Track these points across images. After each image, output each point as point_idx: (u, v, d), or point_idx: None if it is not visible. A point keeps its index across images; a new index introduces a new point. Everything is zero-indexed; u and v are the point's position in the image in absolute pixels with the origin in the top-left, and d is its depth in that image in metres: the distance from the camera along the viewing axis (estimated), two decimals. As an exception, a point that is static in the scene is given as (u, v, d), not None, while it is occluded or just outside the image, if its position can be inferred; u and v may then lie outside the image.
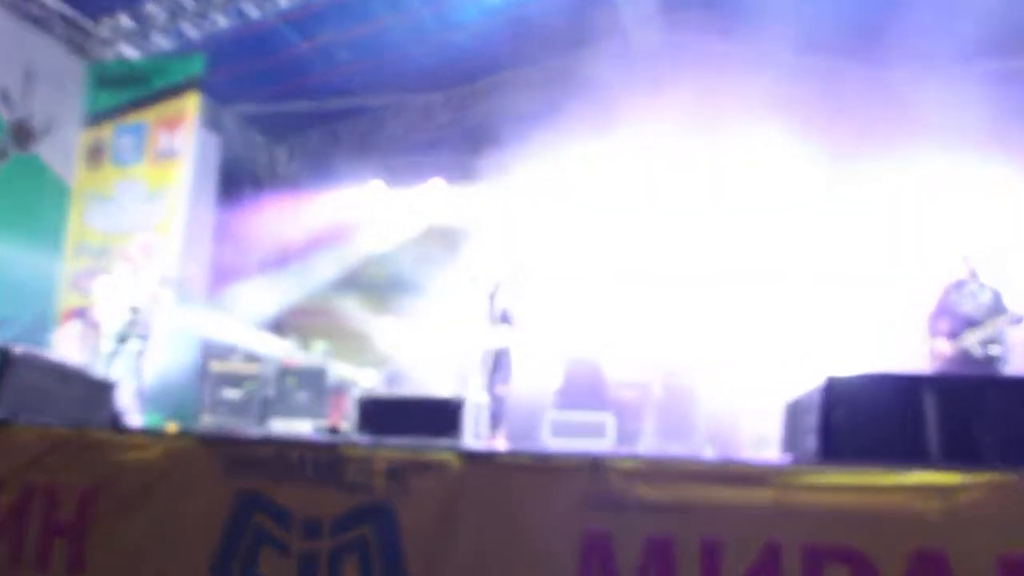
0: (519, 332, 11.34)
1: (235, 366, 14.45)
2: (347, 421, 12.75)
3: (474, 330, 11.27)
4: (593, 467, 5.28)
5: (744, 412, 12.59)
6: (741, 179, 13.89)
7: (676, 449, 12.21)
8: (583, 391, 13.45)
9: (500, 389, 11.18)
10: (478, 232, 15.35)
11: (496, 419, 10.78)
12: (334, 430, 12.28)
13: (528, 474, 5.33)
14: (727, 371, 13.16)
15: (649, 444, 12.72)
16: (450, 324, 13.73)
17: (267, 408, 14.17)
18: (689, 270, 14.34)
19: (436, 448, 5.72)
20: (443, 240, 16.06)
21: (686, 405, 12.90)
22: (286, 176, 17.15)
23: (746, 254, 14.02)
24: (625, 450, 12.20)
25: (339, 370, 15.03)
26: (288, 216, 16.35)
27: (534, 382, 12.82)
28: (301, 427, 13.62)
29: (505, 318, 11.28)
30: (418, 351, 14.71)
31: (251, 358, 14.99)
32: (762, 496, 4.93)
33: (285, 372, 14.36)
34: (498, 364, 11.32)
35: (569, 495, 5.22)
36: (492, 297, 11.28)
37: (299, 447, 5.81)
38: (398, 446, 5.81)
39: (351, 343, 15.63)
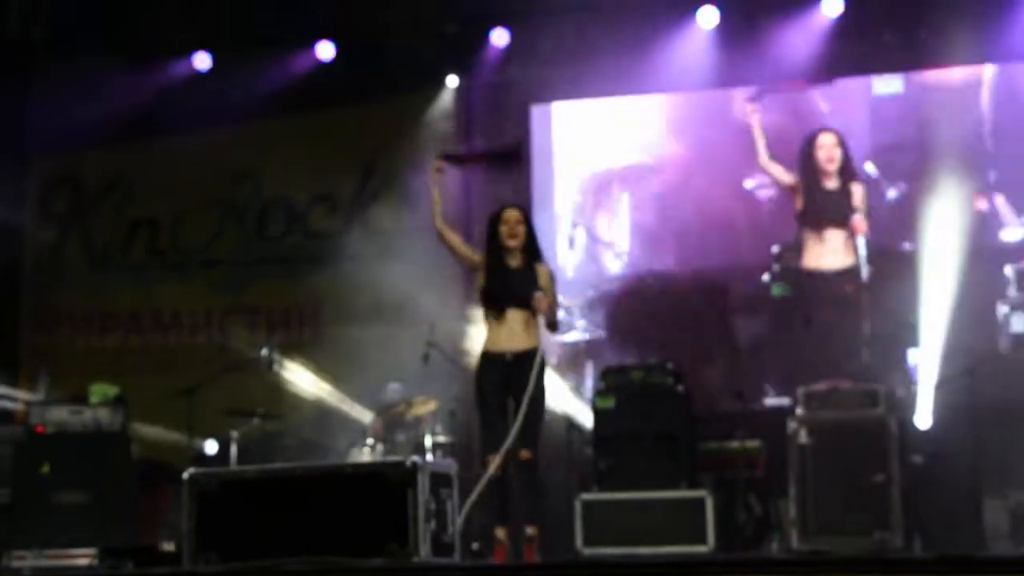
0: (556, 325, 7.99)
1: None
2: (171, 535, 9.68)
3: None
4: None
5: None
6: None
7: (848, 547, 8.62)
8: (644, 442, 9.15)
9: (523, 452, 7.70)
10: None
11: (503, 497, 7.72)
12: (148, 555, 9.39)
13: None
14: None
15: (793, 539, 8.97)
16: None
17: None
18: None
19: (362, 572, 5.45)
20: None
21: (865, 455, 8.79)
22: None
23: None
24: (743, 556, 9.11)
25: (149, 439, 10.44)
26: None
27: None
28: (76, 559, 9.14)
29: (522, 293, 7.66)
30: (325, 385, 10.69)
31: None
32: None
33: (32, 449, 9.35)
34: (517, 387, 7.58)
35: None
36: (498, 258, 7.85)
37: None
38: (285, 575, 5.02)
39: (171, 381, 10.78)
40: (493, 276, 7.53)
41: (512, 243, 7.54)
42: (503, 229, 7.56)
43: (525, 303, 7.46)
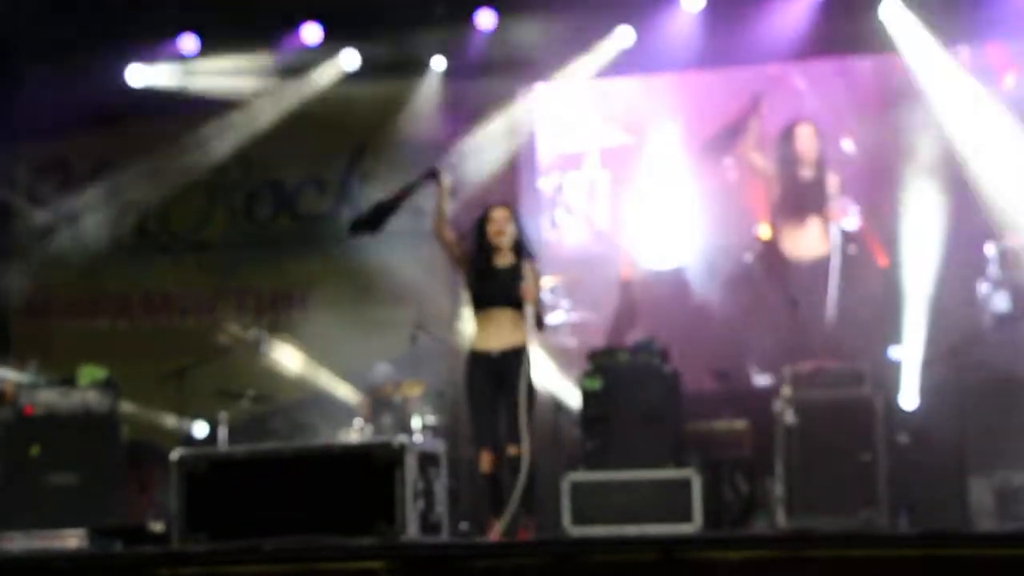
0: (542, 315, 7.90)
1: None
2: (160, 515, 9.41)
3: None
4: (668, 565, 4.53)
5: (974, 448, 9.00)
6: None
7: (834, 525, 8.64)
8: (632, 423, 8.98)
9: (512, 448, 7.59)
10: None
11: (495, 492, 7.61)
12: (137, 535, 9.08)
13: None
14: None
15: (781, 520, 8.99)
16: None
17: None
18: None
19: (350, 551, 5.17)
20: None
21: (851, 434, 8.78)
22: None
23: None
24: (729, 534, 8.99)
25: (138, 420, 10.21)
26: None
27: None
28: (66, 539, 8.97)
29: (510, 291, 7.56)
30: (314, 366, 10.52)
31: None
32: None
33: (22, 431, 9.24)
34: (506, 385, 7.54)
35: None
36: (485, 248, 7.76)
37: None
38: (272, 555, 5.06)
39: (161, 363, 10.61)
40: (480, 275, 7.47)
41: (499, 241, 7.48)
42: (490, 228, 7.50)
43: (512, 301, 7.41)
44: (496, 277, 7.43)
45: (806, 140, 10.03)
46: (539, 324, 7.53)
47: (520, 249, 7.52)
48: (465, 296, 7.81)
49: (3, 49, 11.66)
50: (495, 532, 7.36)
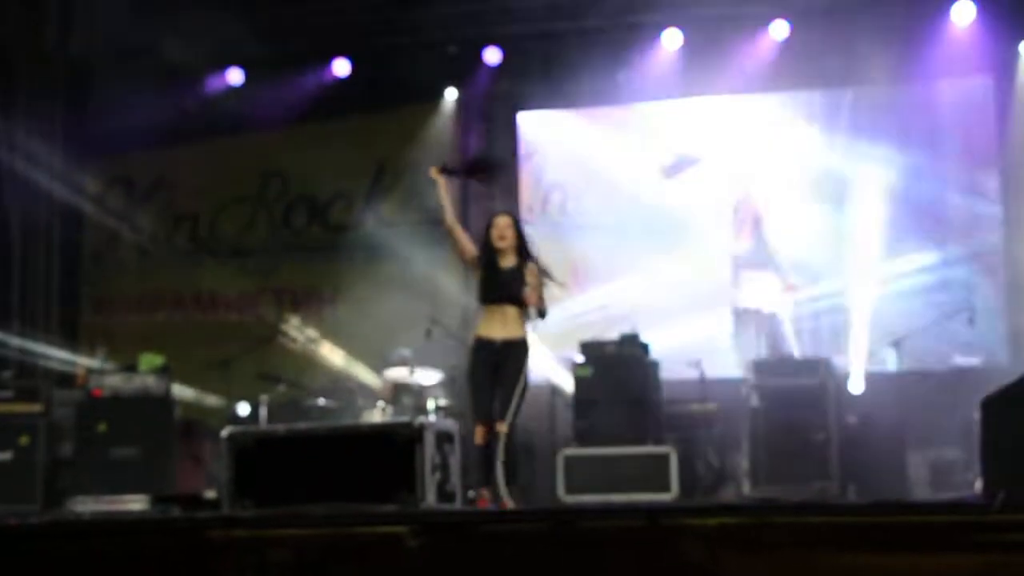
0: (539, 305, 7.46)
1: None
2: (211, 484, 9.28)
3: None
4: (653, 530, 4.11)
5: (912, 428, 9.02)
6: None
7: (793, 494, 8.63)
8: (617, 405, 8.92)
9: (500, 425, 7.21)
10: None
11: (487, 463, 7.23)
12: (192, 501, 8.92)
13: (540, 548, 4.08)
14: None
15: (746, 490, 8.99)
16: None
17: (60, 477, 9.01)
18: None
19: (376, 517, 4.74)
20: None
21: (808, 416, 8.78)
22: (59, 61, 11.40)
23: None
24: (703, 502, 8.81)
25: (190, 402, 9.94)
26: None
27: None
28: (129, 504, 8.82)
29: (512, 290, 7.34)
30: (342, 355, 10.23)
31: (23, 391, 9.40)
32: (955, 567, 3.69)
33: (91, 410, 9.05)
34: (502, 371, 7.30)
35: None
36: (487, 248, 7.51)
37: (128, 539, 4.21)
38: (309, 519, 4.64)
39: (210, 352, 10.44)
40: (487, 274, 7.41)
41: (501, 244, 7.33)
42: (494, 233, 7.38)
43: (515, 299, 7.35)
44: (500, 277, 7.31)
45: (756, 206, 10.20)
46: (541, 315, 7.45)
47: (522, 252, 7.47)
48: (475, 292, 7.73)
49: (78, 79, 11.62)
50: (484, 501, 7.21)
